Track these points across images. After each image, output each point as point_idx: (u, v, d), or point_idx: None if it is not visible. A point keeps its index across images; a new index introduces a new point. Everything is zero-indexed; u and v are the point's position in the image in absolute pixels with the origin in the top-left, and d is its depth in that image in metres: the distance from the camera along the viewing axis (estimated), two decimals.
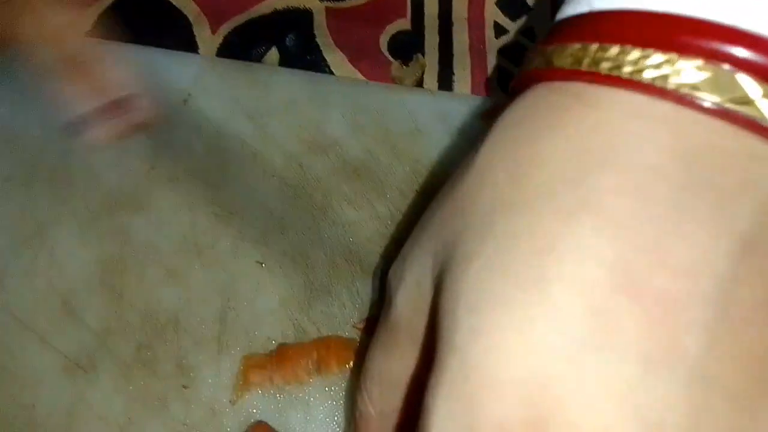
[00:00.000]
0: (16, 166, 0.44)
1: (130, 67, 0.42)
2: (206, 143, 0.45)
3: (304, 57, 0.50)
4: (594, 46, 0.24)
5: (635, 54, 0.23)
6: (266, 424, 0.37)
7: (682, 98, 0.23)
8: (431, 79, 0.50)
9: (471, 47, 0.51)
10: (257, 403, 0.39)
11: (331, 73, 0.49)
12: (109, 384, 0.39)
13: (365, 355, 0.31)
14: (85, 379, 0.39)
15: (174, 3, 0.50)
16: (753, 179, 0.22)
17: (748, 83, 0.22)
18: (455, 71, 0.50)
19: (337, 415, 0.39)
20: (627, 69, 0.23)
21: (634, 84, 0.23)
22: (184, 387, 0.39)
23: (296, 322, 0.41)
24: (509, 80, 0.50)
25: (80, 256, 0.42)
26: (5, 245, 0.42)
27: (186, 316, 0.41)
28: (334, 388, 0.40)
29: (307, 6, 0.51)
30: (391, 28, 0.52)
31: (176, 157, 0.45)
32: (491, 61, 0.51)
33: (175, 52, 0.48)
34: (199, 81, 0.47)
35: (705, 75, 0.22)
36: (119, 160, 0.44)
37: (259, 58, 0.49)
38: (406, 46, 0.51)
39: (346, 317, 0.41)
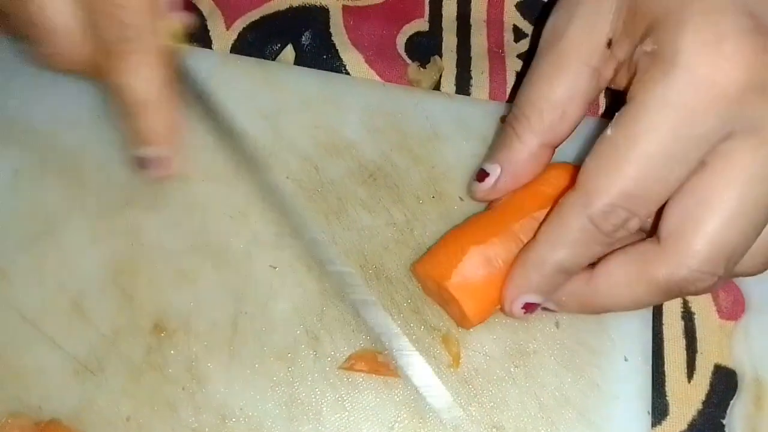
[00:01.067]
0: (26, 159, 0.43)
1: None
2: (219, 142, 0.44)
3: (320, 56, 0.49)
4: None
5: None
6: None
7: None
8: (448, 83, 0.49)
9: (489, 50, 0.50)
10: (268, 411, 0.39)
11: (347, 73, 0.48)
12: (117, 387, 0.39)
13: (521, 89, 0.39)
14: (93, 381, 0.39)
15: None
16: None
17: None
18: (473, 75, 0.49)
19: (348, 425, 0.39)
20: None
21: None
22: (194, 392, 0.39)
23: (309, 329, 0.41)
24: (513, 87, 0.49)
25: (90, 255, 0.41)
26: (14, 241, 0.41)
27: (197, 320, 0.40)
28: (346, 397, 0.39)
29: (323, 4, 0.50)
30: (409, 29, 0.51)
31: (188, 154, 0.44)
32: (510, 65, 0.50)
33: (188, 47, 0.47)
34: (213, 78, 0.46)
35: None
36: (132, 157, 0.43)
37: (274, 56, 0.48)
38: (424, 48, 0.50)
39: (359, 326, 0.41)
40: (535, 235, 0.37)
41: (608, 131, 0.34)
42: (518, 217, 0.39)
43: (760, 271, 0.37)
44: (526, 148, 0.38)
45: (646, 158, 0.32)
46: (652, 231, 0.36)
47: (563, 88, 0.37)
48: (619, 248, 0.36)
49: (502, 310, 0.38)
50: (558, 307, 0.38)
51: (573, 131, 0.39)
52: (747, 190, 0.32)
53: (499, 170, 0.39)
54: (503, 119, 0.46)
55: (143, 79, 0.38)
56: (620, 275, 0.35)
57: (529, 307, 0.37)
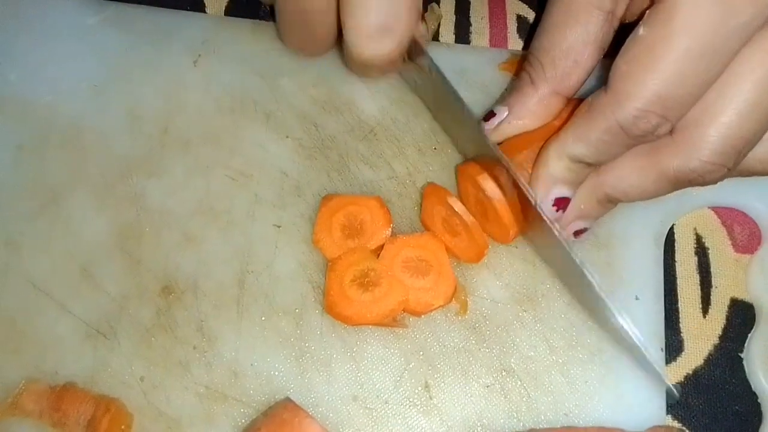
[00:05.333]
0: (29, 133, 0.43)
1: None
2: (218, 104, 0.44)
3: None
4: None
5: None
6: (292, 402, 0.37)
7: None
8: (447, 32, 0.48)
9: None
10: (279, 366, 0.39)
11: None
12: (129, 349, 0.39)
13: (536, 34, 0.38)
14: (105, 344, 0.39)
15: None
16: None
17: None
18: (472, 21, 0.48)
19: (357, 375, 0.39)
20: None
21: None
22: (205, 351, 0.39)
23: (315, 284, 0.41)
24: (529, 30, 0.48)
25: (96, 223, 0.42)
26: (21, 213, 0.42)
27: (204, 281, 0.41)
28: (354, 349, 0.39)
29: None
30: None
31: (188, 119, 0.44)
32: (510, 8, 0.49)
33: (182, 11, 0.47)
34: (209, 41, 0.45)
35: None
36: (131, 125, 0.44)
37: (268, 16, 0.48)
38: None
39: None
40: (559, 129, 0.37)
41: (640, 30, 0.33)
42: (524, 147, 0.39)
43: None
44: (537, 94, 0.38)
45: (683, 56, 0.32)
46: None
47: (575, 35, 0.36)
48: None
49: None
50: (583, 217, 0.38)
51: (587, 79, 0.38)
52: (764, 83, 0.32)
53: (506, 113, 0.39)
54: (502, 68, 0.46)
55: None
56: (631, 165, 0.36)
57: (560, 203, 0.37)
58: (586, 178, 0.37)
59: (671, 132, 0.34)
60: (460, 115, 0.40)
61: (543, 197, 0.37)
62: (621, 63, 0.34)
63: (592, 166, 0.36)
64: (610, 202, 0.38)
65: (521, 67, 0.40)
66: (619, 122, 0.33)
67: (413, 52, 0.39)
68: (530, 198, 0.37)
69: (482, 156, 0.40)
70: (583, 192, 0.38)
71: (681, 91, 0.32)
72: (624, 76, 0.33)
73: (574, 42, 0.36)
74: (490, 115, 0.39)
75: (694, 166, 0.34)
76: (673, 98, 0.32)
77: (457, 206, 0.39)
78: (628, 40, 0.34)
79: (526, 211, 0.38)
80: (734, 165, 0.34)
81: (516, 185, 0.37)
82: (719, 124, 0.33)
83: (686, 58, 0.32)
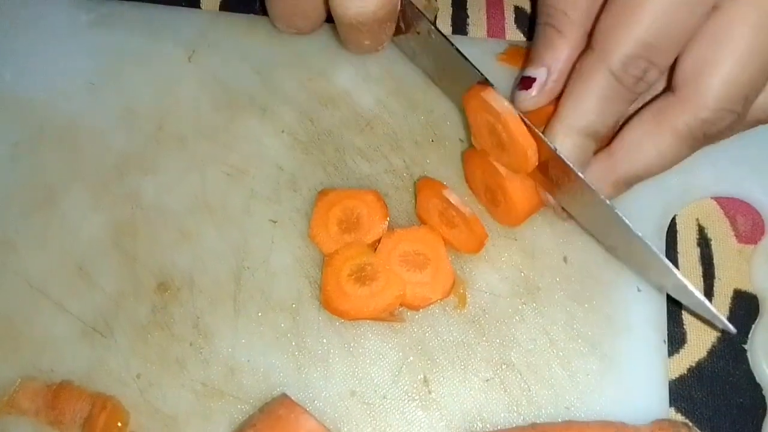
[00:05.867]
0: (24, 131, 0.43)
1: None
2: (213, 100, 0.44)
3: None
4: None
5: None
6: (289, 398, 0.37)
7: None
8: (444, 23, 0.48)
9: None
10: (275, 361, 0.39)
11: None
12: (126, 347, 0.39)
13: None
14: (102, 342, 0.39)
15: None
16: None
17: None
18: (469, 13, 0.48)
19: (355, 370, 0.38)
20: None
21: None
22: (202, 347, 0.39)
23: (312, 279, 0.40)
24: (528, 21, 0.48)
25: (92, 220, 0.41)
26: (16, 211, 0.41)
27: (200, 277, 0.40)
28: (352, 344, 0.39)
29: None
30: None
31: (183, 115, 0.44)
32: (508, 0, 0.48)
33: (177, 7, 0.46)
34: (204, 36, 0.45)
35: None
36: (126, 122, 0.43)
37: (263, 11, 0.48)
38: None
39: None
40: (556, 107, 0.36)
41: None
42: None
43: None
44: (570, 41, 0.37)
45: (661, 3, 0.32)
46: (666, 89, 0.36)
47: None
48: (634, 113, 0.36)
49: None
50: None
51: None
52: (760, 26, 0.32)
53: (545, 73, 0.38)
54: (500, 59, 0.45)
55: None
56: (641, 134, 0.35)
57: None
58: (599, 163, 0.37)
59: (673, 90, 0.34)
60: (465, 76, 0.38)
61: None
62: (604, 17, 0.34)
63: (598, 139, 0.36)
64: (626, 183, 0.37)
65: (540, 23, 0.39)
66: (611, 71, 0.34)
67: (409, 18, 0.39)
68: (550, 146, 0.36)
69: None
70: (596, 176, 0.37)
71: (664, 37, 0.33)
72: (608, 29, 0.34)
73: None
74: (528, 81, 0.38)
75: (705, 116, 0.33)
76: (659, 43, 0.33)
77: (453, 198, 0.38)
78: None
79: (546, 167, 0.37)
80: (743, 110, 0.34)
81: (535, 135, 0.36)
82: (720, 72, 0.33)
83: (664, 5, 0.32)
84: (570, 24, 0.37)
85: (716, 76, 0.33)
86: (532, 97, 0.38)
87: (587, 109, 0.35)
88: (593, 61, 0.34)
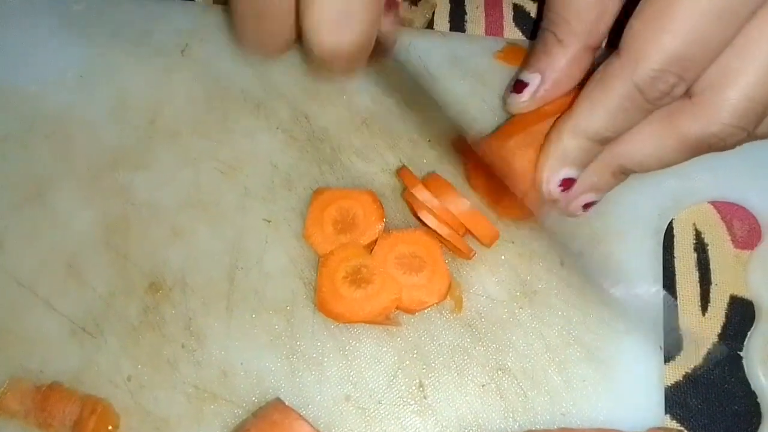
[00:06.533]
0: (13, 124, 0.42)
1: None
2: (207, 94, 0.43)
3: None
4: None
5: None
6: (283, 402, 0.36)
7: None
8: (442, 20, 0.47)
9: None
10: (269, 365, 0.38)
11: None
12: (116, 348, 0.38)
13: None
14: (92, 342, 0.38)
15: None
16: None
17: None
18: (467, 10, 0.47)
19: (350, 374, 0.38)
20: None
21: None
22: (194, 349, 0.38)
23: (306, 281, 0.40)
24: (527, 19, 0.47)
25: (82, 216, 0.41)
26: (4, 206, 0.41)
27: (193, 277, 0.40)
28: (347, 348, 0.38)
29: None
30: None
31: (176, 109, 0.43)
32: None
33: (170, 0, 0.45)
34: (197, 30, 0.44)
35: None
36: (117, 116, 0.42)
37: None
38: None
39: None
40: (571, 105, 0.36)
41: None
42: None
43: None
44: (568, 52, 0.37)
45: (699, 14, 0.31)
46: None
47: None
48: None
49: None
50: (595, 190, 0.37)
51: (610, 28, 0.37)
52: None
53: (539, 79, 0.37)
54: (498, 57, 0.44)
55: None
56: (648, 133, 0.35)
57: (566, 184, 0.36)
58: (603, 153, 0.36)
59: (690, 96, 0.33)
60: (431, 109, 0.38)
61: (550, 176, 0.36)
62: (635, 23, 0.32)
63: (605, 144, 0.35)
64: (624, 173, 0.37)
65: (541, 28, 0.38)
66: (636, 84, 0.32)
67: (378, 50, 0.38)
68: (515, 190, 0.36)
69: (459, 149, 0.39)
70: (597, 165, 0.36)
71: (698, 51, 0.31)
72: (639, 36, 0.32)
73: None
74: (520, 85, 0.38)
75: (716, 130, 0.33)
76: (689, 57, 0.31)
77: (422, 195, 0.38)
78: (641, 3, 0.33)
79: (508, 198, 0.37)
80: (754, 128, 0.33)
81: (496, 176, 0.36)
82: (739, 86, 0.32)
83: (704, 17, 0.31)
84: (571, 34, 0.36)
85: (733, 90, 0.32)
86: (522, 102, 0.38)
87: (602, 116, 0.34)
88: (618, 69, 0.33)
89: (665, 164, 0.36)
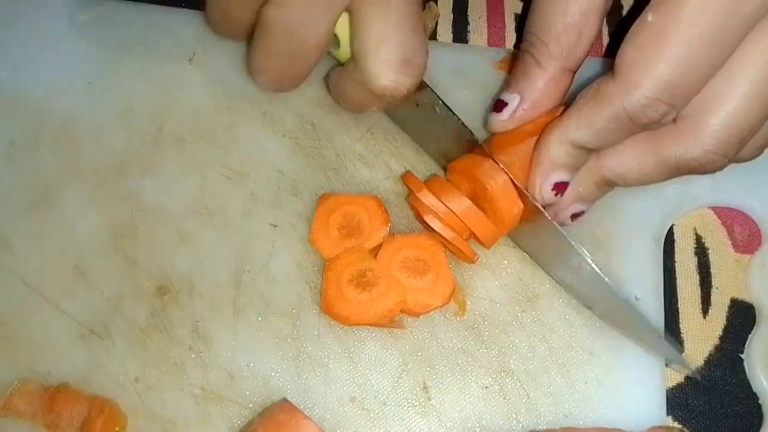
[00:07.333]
0: (21, 129, 0.43)
1: None
2: (214, 102, 0.44)
3: None
4: None
5: None
6: (289, 403, 0.36)
7: None
8: (445, 31, 0.48)
9: None
10: (275, 366, 0.38)
11: None
12: (124, 349, 0.39)
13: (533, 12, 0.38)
14: (99, 344, 0.39)
15: None
16: None
17: None
18: (470, 20, 0.48)
19: (355, 376, 0.38)
20: None
21: None
22: (201, 351, 0.39)
23: (312, 284, 0.40)
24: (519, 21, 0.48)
25: (90, 221, 0.41)
26: (12, 210, 0.41)
27: (200, 281, 0.40)
28: (352, 350, 0.39)
29: None
30: None
31: (183, 116, 0.44)
32: (508, 7, 0.48)
33: (177, 9, 0.46)
34: (204, 38, 0.45)
35: None
36: (125, 122, 0.43)
37: None
38: None
39: None
40: (563, 114, 0.36)
41: (648, 17, 0.33)
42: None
43: (754, 157, 0.37)
44: (546, 73, 0.37)
45: (694, 44, 0.31)
46: None
47: (577, 7, 0.36)
48: None
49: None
50: (581, 199, 0.38)
51: (590, 50, 0.38)
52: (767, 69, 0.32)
53: (518, 99, 0.38)
54: (500, 65, 0.45)
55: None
56: (631, 151, 0.36)
57: (559, 188, 0.37)
58: (588, 164, 0.37)
59: (674, 120, 0.34)
60: (461, 145, 0.40)
61: (542, 182, 0.37)
62: (629, 50, 0.33)
63: (592, 151, 0.36)
64: (608, 185, 0.38)
65: (521, 49, 0.39)
66: (626, 110, 0.33)
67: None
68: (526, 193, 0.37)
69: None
70: (582, 175, 0.37)
71: (690, 79, 0.32)
72: (633, 63, 0.33)
73: (576, 14, 0.36)
74: (500, 104, 0.39)
75: (696, 155, 0.34)
76: (681, 86, 0.32)
77: (428, 199, 0.39)
78: (635, 25, 0.33)
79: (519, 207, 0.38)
80: (734, 154, 0.34)
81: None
82: (723, 112, 0.33)
83: (697, 45, 0.31)
84: (549, 57, 0.37)
85: (717, 116, 0.33)
86: (501, 121, 0.39)
87: (591, 129, 0.35)
88: (612, 90, 0.34)
89: (646, 182, 0.37)
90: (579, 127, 0.35)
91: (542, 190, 0.37)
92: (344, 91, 0.39)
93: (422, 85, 0.39)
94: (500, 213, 0.38)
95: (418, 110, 0.40)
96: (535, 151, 0.37)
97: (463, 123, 0.39)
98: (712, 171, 0.35)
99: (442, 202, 0.38)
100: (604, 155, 0.37)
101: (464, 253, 0.39)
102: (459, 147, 0.40)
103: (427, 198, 0.39)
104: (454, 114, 0.39)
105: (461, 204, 0.38)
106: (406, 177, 0.41)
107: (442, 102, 0.39)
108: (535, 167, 0.37)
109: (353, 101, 0.40)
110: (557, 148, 0.36)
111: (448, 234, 0.38)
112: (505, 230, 0.39)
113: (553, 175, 0.37)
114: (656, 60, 0.32)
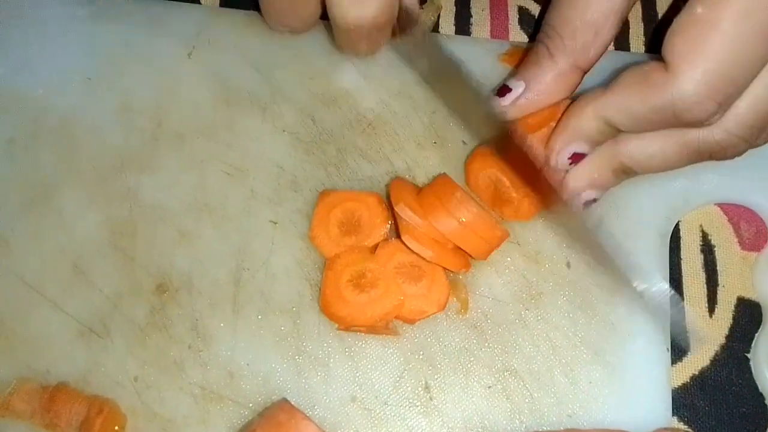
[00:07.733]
0: (19, 127, 0.42)
1: None
2: (213, 97, 0.43)
3: None
4: None
5: None
6: (289, 402, 0.36)
7: None
8: (447, 23, 0.47)
9: None
10: (275, 365, 0.38)
11: None
12: (123, 348, 0.38)
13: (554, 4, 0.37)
14: (98, 343, 0.38)
15: None
16: None
17: None
18: (473, 13, 0.47)
19: (356, 375, 0.38)
20: None
21: None
22: (200, 350, 0.38)
23: (312, 282, 0.40)
24: (532, 22, 0.47)
25: (89, 219, 0.41)
26: (11, 208, 0.41)
27: (199, 278, 0.40)
28: (353, 349, 0.38)
29: None
30: None
31: (182, 112, 0.43)
32: (512, 0, 0.48)
33: (176, 3, 0.45)
34: (203, 33, 0.44)
35: None
36: (124, 119, 0.43)
37: None
38: None
39: None
40: (606, 90, 0.35)
41: (698, 8, 0.31)
42: None
43: (766, 142, 0.36)
44: (556, 67, 0.37)
45: (747, 39, 0.30)
46: None
47: (598, 6, 0.35)
48: None
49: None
50: (595, 186, 0.38)
51: (604, 52, 0.37)
52: None
53: (522, 87, 0.38)
54: (503, 59, 0.45)
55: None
56: (653, 136, 0.35)
57: (575, 158, 0.37)
58: (604, 147, 0.37)
59: None
60: (461, 84, 0.38)
61: (562, 148, 0.37)
62: (678, 41, 0.32)
63: (620, 132, 0.36)
64: (625, 173, 0.37)
65: (537, 39, 0.38)
66: (674, 103, 0.32)
67: (404, 22, 0.38)
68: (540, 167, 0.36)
69: (488, 127, 0.39)
70: (598, 161, 0.37)
71: (741, 76, 0.31)
72: (684, 56, 0.32)
73: (597, 12, 0.35)
74: (504, 89, 0.38)
75: (720, 138, 0.33)
76: (732, 81, 0.31)
77: (405, 213, 0.38)
78: (682, 17, 0.32)
79: (535, 183, 0.38)
80: (755, 140, 0.34)
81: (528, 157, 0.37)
82: (750, 97, 0.32)
83: (750, 40, 0.31)
84: (563, 51, 0.36)
85: (743, 101, 0.32)
86: (503, 107, 0.38)
87: (631, 114, 0.34)
88: (663, 82, 0.32)
89: (666, 167, 0.36)
90: (620, 109, 0.34)
91: (560, 156, 0.37)
92: (334, 32, 0.39)
93: (411, 18, 0.38)
94: (486, 237, 0.38)
95: (415, 44, 0.40)
96: (565, 116, 0.37)
97: (456, 61, 0.38)
98: (732, 156, 0.34)
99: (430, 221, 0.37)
100: (623, 140, 0.36)
101: (477, 250, 0.39)
102: (461, 86, 0.39)
103: (404, 212, 0.38)
104: (445, 49, 0.38)
105: (448, 225, 0.37)
106: (392, 185, 0.40)
107: (431, 33, 0.39)
108: (560, 132, 0.37)
109: (343, 42, 0.39)
110: (590, 121, 0.36)
111: (426, 254, 0.37)
112: (497, 245, 0.39)
113: (574, 145, 0.36)
114: (710, 57, 0.31)
